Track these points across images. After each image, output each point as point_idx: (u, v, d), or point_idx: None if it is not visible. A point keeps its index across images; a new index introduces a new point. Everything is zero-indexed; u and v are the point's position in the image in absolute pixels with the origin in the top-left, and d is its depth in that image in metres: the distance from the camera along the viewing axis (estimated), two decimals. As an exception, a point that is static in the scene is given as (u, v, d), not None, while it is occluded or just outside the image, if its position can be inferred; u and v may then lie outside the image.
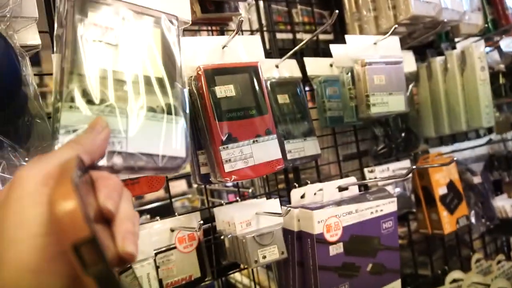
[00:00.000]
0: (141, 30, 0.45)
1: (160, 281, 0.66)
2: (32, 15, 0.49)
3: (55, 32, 0.41)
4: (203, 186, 0.98)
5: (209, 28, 0.88)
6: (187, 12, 0.52)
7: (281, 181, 1.07)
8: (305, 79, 0.90)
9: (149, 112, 0.41)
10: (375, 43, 0.85)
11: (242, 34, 0.63)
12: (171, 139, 0.42)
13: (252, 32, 0.97)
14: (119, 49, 0.42)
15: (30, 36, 0.53)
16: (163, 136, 0.41)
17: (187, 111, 0.45)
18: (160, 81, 0.44)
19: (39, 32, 0.53)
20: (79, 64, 0.39)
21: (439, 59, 1.06)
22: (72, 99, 0.37)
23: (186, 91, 0.47)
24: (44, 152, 0.47)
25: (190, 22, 0.54)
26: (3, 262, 0.24)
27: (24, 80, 0.44)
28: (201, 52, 0.63)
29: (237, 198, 0.79)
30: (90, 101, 0.38)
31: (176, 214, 0.72)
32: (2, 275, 0.24)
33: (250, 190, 1.10)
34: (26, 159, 0.43)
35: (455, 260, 1.18)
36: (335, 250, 0.72)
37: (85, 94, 0.38)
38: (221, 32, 0.96)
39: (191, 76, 0.62)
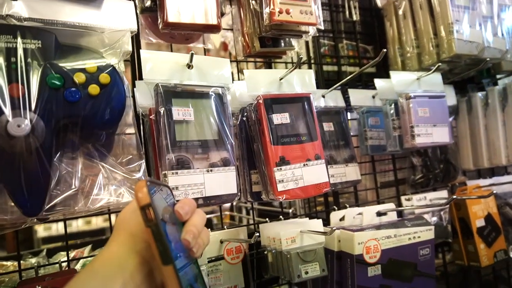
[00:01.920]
0: (204, 104, 0.65)
1: (208, 288, 0.73)
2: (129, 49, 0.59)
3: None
4: (243, 204, 1.02)
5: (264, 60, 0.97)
6: (229, 80, 0.70)
7: (319, 203, 1.11)
8: (348, 107, 0.96)
9: (214, 168, 0.63)
10: (418, 78, 0.91)
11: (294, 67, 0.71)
12: (228, 183, 0.64)
13: (300, 64, 1.05)
14: (193, 123, 0.63)
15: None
16: (223, 182, 0.64)
17: (235, 161, 0.66)
18: (218, 141, 0.65)
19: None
20: (172, 140, 0.59)
21: (480, 94, 1.09)
22: (172, 167, 0.59)
23: (234, 144, 0.66)
24: (128, 163, 0.56)
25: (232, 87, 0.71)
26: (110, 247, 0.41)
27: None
28: (261, 82, 0.71)
29: (281, 217, 0.85)
30: (182, 167, 0.60)
31: (225, 227, 0.78)
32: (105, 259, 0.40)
33: (291, 210, 1.15)
34: (122, 168, 0.51)
35: (492, 296, 1.16)
36: (373, 271, 0.75)
37: (179, 162, 0.60)
38: (269, 64, 1.04)
39: (251, 104, 0.70)
